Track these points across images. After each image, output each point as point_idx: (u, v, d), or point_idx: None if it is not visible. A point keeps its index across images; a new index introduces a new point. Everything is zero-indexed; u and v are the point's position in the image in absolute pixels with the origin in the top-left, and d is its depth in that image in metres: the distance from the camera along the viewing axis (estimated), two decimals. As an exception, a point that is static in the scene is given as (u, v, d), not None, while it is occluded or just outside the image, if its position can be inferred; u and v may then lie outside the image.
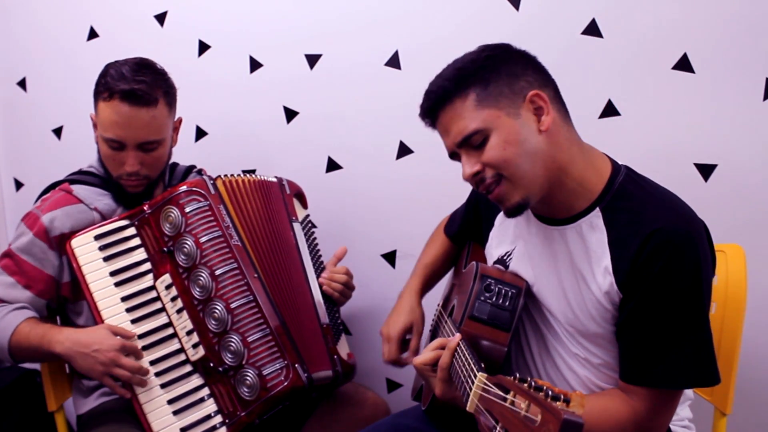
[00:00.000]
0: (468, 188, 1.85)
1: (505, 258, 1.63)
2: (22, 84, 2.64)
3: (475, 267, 1.57)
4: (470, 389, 1.20)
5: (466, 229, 1.86)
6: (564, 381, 1.53)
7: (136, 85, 1.76)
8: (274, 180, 1.99)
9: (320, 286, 1.91)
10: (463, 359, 1.30)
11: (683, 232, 1.34)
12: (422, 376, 1.43)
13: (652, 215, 1.36)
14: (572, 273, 1.46)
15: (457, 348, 1.35)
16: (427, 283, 1.90)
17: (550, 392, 0.97)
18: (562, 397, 0.96)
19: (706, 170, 1.98)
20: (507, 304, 1.50)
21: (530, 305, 1.56)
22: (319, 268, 1.98)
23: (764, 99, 1.91)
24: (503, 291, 1.51)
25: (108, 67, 1.83)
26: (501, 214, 1.67)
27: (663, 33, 1.97)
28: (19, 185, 2.73)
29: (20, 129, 2.69)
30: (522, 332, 1.60)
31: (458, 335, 1.38)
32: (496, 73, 1.39)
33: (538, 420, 0.95)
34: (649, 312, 1.36)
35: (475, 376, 1.20)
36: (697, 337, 1.37)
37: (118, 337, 1.71)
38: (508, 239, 1.63)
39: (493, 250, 1.68)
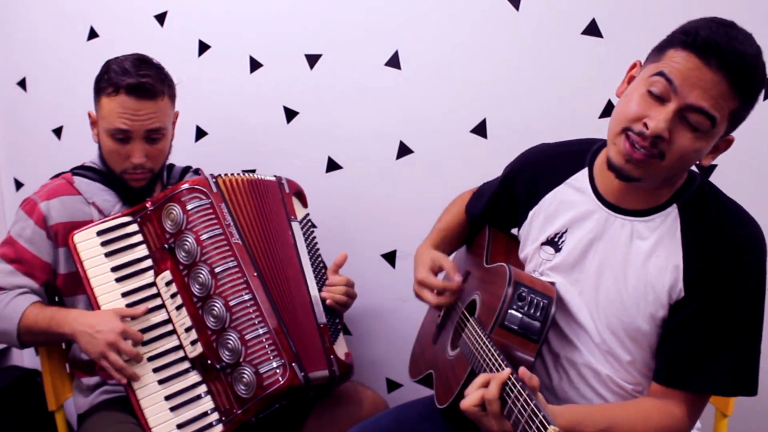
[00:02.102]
0: (475, 182, 1.85)
1: (557, 240, 1.58)
2: (22, 84, 2.64)
3: (507, 272, 1.54)
4: None
5: (494, 209, 1.79)
6: (582, 380, 1.52)
7: (143, 78, 1.80)
8: (273, 179, 2.00)
9: (323, 300, 1.90)
10: (521, 398, 1.21)
11: (761, 244, 1.38)
12: (472, 418, 1.33)
13: (732, 221, 1.39)
14: (633, 267, 1.45)
15: (509, 381, 1.25)
16: (440, 244, 1.83)
17: None
18: None
19: (705, 170, 1.98)
20: (538, 314, 1.47)
21: (556, 307, 1.53)
22: (318, 267, 1.98)
23: (764, 99, 1.91)
24: (535, 300, 1.48)
25: (108, 63, 1.86)
26: (552, 194, 1.61)
27: (663, 33, 1.96)
28: (19, 185, 2.73)
29: (20, 129, 2.70)
30: None
31: (508, 370, 1.26)
32: (754, 106, 1.33)
33: None
34: (711, 315, 1.37)
35: (545, 427, 1.13)
36: (751, 346, 1.38)
37: (122, 321, 1.72)
38: (558, 221, 1.58)
39: (538, 232, 1.62)
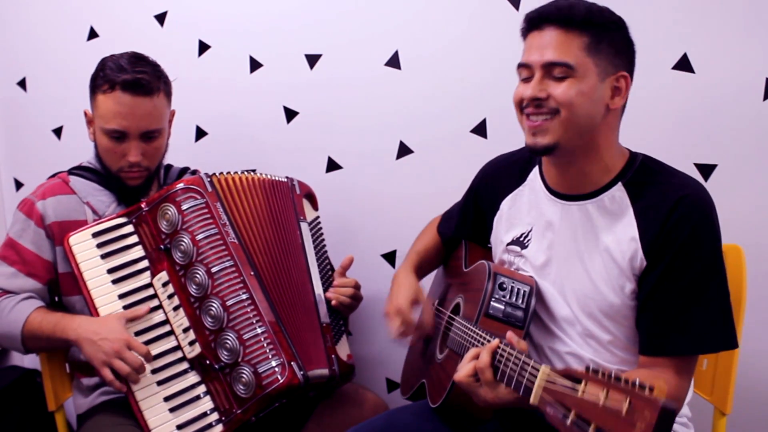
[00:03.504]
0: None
1: (522, 239, 1.64)
2: (22, 84, 2.64)
3: (486, 266, 1.59)
4: (532, 382, 1.20)
5: (463, 226, 1.86)
6: (566, 366, 1.54)
7: (139, 75, 1.79)
8: (284, 180, 2.00)
9: (328, 300, 1.91)
10: (512, 357, 1.29)
11: (707, 200, 1.45)
12: (467, 390, 1.39)
13: (677, 185, 1.46)
14: (594, 245, 1.50)
15: (499, 349, 1.34)
16: (420, 268, 1.91)
17: (635, 381, 0.99)
18: (647, 385, 0.97)
19: (706, 170, 1.97)
20: (520, 302, 1.53)
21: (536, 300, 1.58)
22: (325, 269, 1.99)
23: (764, 99, 1.91)
24: (516, 289, 1.54)
25: (105, 60, 1.86)
26: (509, 198, 1.69)
27: (663, 33, 1.97)
28: (19, 185, 2.73)
29: (20, 129, 2.70)
30: None
31: (497, 340, 1.36)
32: (614, 35, 1.46)
33: (624, 408, 0.97)
34: (676, 277, 1.42)
35: (537, 369, 1.20)
36: (721, 300, 1.43)
37: (127, 331, 1.71)
38: (521, 221, 1.65)
39: (503, 235, 1.69)
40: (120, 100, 1.79)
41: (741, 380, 1.73)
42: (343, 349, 1.92)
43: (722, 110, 1.94)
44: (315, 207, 2.10)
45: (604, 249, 1.48)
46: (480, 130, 2.17)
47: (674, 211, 1.42)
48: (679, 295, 1.42)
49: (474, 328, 1.50)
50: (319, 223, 2.09)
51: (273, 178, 1.97)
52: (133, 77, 1.78)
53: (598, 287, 1.49)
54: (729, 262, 1.71)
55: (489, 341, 1.38)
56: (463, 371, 1.37)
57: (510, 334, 1.34)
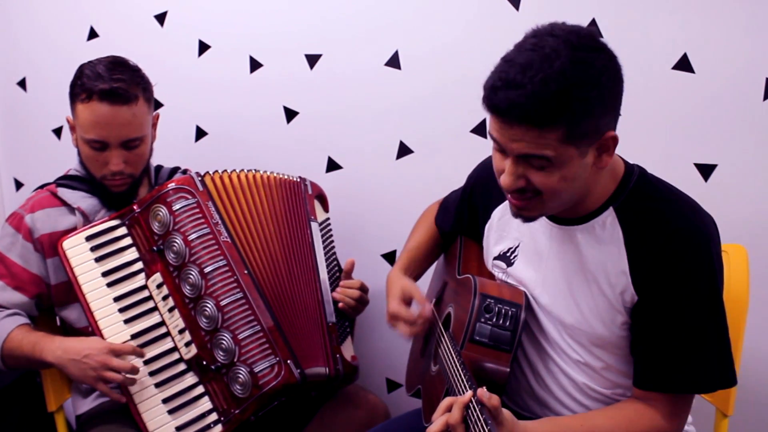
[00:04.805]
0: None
1: (509, 255, 1.59)
2: (22, 84, 2.64)
3: (473, 284, 1.53)
4: None
5: (459, 223, 1.82)
6: (561, 389, 1.52)
7: (115, 83, 1.76)
8: (296, 179, 2.01)
9: (335, 301, 1.90)
10: (479, 424, 1.20)
11: (704, 233, 1.34)
12: None
13: (671, 215, 1.36)
14: (582, 274, 1.43)
15: (470, 403, 1.25)
16: (411, 266, 1.85)
17: None
18: None
19: (706, 170, 1.97)
20: (507, 324, 1.46)
21: (527, 314, 1.52)
22: (333, 270, 1.99)
23: (764, 99, 1.90)
24: (503, 311, 1.47)
25: (82, 67, 1.83)
26: (501, 207, 1.62)
27: (663, 33, 1.97)
28: (19, 185, 2.73)
29: (20, 129, 2.70)
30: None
31: (469, 393, 1.26)
32: (595, 104, 1.25)
33: None
34: (670, 314, 1.35)
35: None
36: (718, 338, 1.36)
37: (108, 341, 1.71)
38: (510, 235, 1.60)
39: (492, 247, 1.65)
40: (98, 110, 1.76)
41: (743, 381, 1.71)
42: (347, 351, 1.92)
43: (722, 110, 1.93)
44: (326, 209, 2.11)
45: (593, 280, 1.42)
46: (480, 130, 2.16)
47: (667, 246, 1.33)
48: (674, 332, 1.35)
49: (455, 359, 1.44)
50: (329, 224, 2.09)
51: (283, 177, 1.97)
52: (109, 86, 1.75)
53: (588, 320, 1.43)
54: (732, 262, 1.70)
55: (465, 387, 1.32)
56: (435, 426, 1.28)
57: (481, 391, 1.23)
